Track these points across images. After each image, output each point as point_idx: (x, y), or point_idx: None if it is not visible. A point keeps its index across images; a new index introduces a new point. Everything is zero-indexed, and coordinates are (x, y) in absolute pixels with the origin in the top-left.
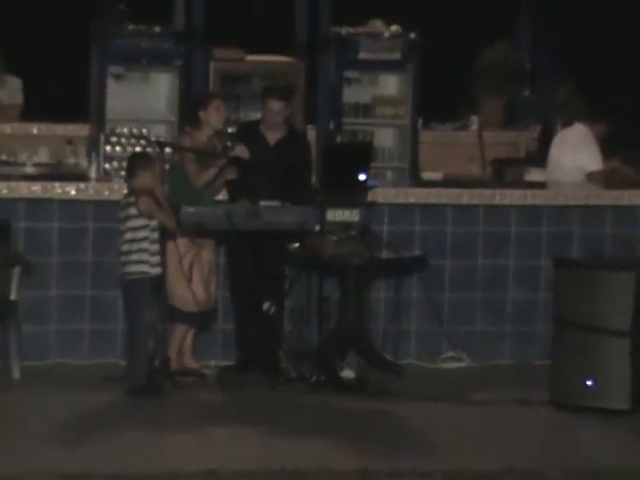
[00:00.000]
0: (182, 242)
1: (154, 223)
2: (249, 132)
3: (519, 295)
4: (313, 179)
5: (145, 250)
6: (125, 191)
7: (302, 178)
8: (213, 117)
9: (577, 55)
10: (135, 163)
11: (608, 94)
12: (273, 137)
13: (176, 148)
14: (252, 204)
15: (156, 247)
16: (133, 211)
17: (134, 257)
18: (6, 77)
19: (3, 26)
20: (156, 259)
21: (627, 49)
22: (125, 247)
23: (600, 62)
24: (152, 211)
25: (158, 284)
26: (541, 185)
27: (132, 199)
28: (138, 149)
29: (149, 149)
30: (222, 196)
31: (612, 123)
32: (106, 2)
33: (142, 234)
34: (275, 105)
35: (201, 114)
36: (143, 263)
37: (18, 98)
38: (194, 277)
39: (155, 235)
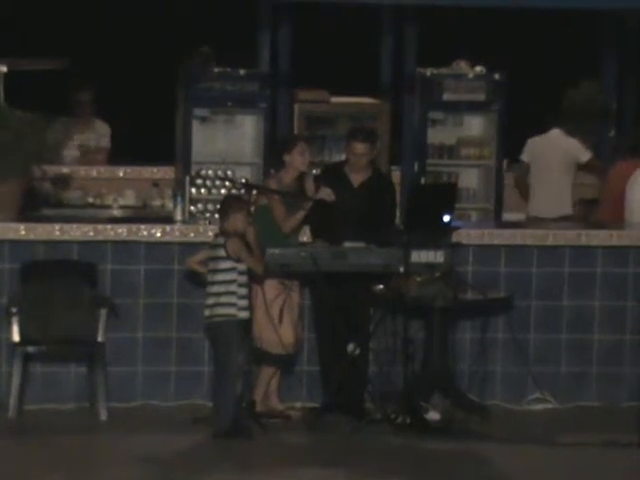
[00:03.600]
0: (272, 285)
1: (242, 266)
2: (333, 174)
3: (605, 336)
4: (397, 220)
5: (233, 293)
6: (210, 233)
7: (385, 219)
8: (298, 160)
9: None
10: (228, 205)
11: None
12: (357, 179)
13: (263, 190)
14: (330, 245)
15: (244, 290)
16: (222, 252)
17: (222, 299)
18: (95, 121)
19: (91, 71)
20: (244, 302)
21: None
22: (213, 289)
23: None
24: (240, 254)
25: (245, 328)
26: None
27: (222, 240)
28: (223, 191)
29: (234, 191)
30: (306, 237)
31: None
32: (192, 46)
33: (230, 276)
34: (360, 147)
35: (286, 157)
36: (231, 306)
37: (106, 143)
38: (284, 320)
39: (243, 278)
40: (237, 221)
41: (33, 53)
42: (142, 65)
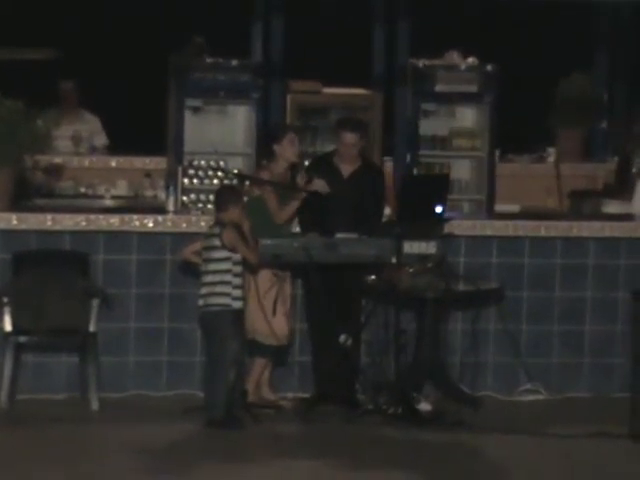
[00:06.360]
0: (265, 276)
1: (237, 256)
2: (323, 164)
3: (597, 327)
4: (387, 211)
5: (227, 283)
6: (203, 223)
7: (374, 210)
8: (288, 151)
9: None
10: (225, 196)
11: None
12: (347, 169)
13: (256, 181)
14: (322, 236)
15: (238, 280)
16: (217, 242)
17: (216, 289)
18: (83, 113)
19: (79, 62)
20: (238, 292)
21: None
22: (208, 278)
23: None
24: (235, 244)
25: (239, 318)
26: (619, 217)
27: (217, 230)
28: (216, 182)
29: (226, 181)
30: (298, 228)
31: None
32: (184, 36)
33: (224, 266)
34: (349, 137)
35: (276, 148)
36: (225, 296)
37: (104, 140)
38: (278, 311)
39: (238, 268)
40: (233, 212)
41: (24, 44)
42: (133, 55)
